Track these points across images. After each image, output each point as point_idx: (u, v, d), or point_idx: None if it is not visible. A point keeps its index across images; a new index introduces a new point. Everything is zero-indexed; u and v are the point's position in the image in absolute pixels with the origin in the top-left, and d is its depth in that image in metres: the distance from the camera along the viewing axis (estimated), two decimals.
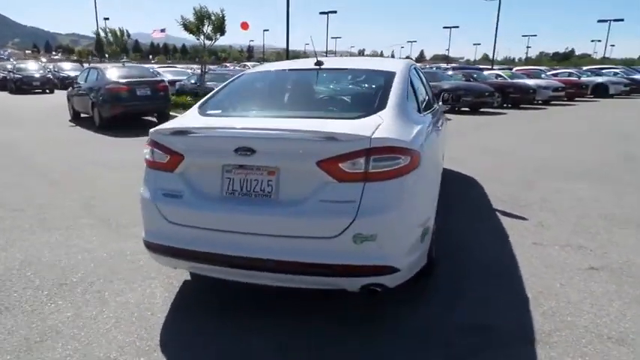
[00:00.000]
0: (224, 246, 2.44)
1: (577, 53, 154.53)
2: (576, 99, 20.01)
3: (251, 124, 2.47)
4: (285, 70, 3.58)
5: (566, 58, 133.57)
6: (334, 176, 2.28)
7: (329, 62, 3.53)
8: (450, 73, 20.19)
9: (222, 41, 13.29)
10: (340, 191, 2.29)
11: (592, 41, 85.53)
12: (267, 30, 71.03)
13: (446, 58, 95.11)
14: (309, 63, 3.61)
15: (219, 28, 11.99)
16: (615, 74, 24.42)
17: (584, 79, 21.73)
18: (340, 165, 2.27)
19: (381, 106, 2.74)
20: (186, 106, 13.84)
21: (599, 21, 46.18)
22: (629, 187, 5.65)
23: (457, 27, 59.51)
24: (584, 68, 28.36)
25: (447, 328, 2.60)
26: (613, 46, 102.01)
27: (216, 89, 3.36)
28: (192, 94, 14.78)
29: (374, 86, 3.12)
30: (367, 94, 3.07)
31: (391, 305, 2.80)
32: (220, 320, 2.72)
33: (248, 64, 42.62)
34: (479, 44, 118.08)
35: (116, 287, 3.14)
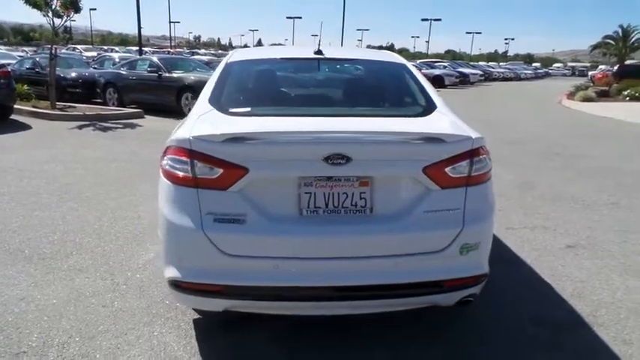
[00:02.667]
0: (305, 276, 2.00)
1: (397, 48, 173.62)
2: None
3: (340, 126, 2.04)
4: (290, 59, 3.08)
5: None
6: (438, 183, 2.03)
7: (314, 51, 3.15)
8: None
9: (31, 19, 10.89)
10: (444, 199, 2.05)
11: (412, 37, 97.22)
12: (95, 9, 62.94)
13: None
14: (303, 51, 3.19)
15: (73, 3, 10.02)
16: (445, 67, 28.16)
17: (424, 71, 24.46)
18: (446, 170, 2.03)
19: (430, 101, 2.54)
20: (24, 97, 11.36)
21: (423, 20, 52.85)
22: (532, 168, 6.49)
23: (300, 17, 61.37)
24: (418, 62, 31.93)
25: (511, 322, 2.61)
26: (428, 42, 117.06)
27: (212, 82, 2.70)
28: (31, 83, 12.20)
29: (399, 79, 2.88)
30: (400, 88, 2.81)
31: (447, 314, 2.66)
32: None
33: (79, 47, 36.92)
34: (316, 35, 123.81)
35: (107, 345, 2.35)
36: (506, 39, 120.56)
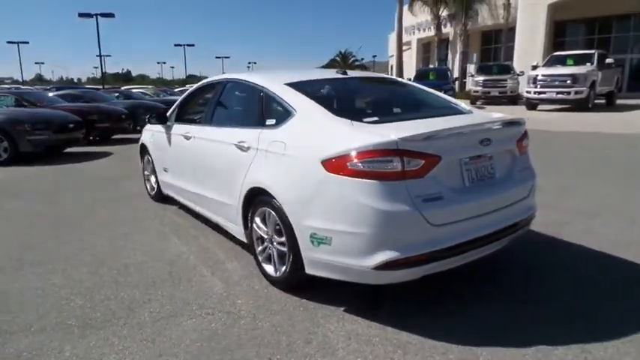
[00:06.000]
0: (478, 229, 2.73)
1: (136, 74, 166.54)
2: None
3: (480, 120, 2.82)
4: (347, 79, 3.65)
5: (128, 79, 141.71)
6: (520, 151, 3.09)
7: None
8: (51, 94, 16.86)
9: None
10: (523, 161, 3.12)
11: (158, 63, 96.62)
12: None
13: None
14: (332, 73, 3.76)
15: None
16: None
17: None
18: (522, 142, 3.10)
19: (456, 103, 3.56)
20: None
21: (176, 45, 52.73)
22: None
23: (27, 42, 52.61)
24: (184, 87, 32.24)
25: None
26: (173, 67, 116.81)
27: (305, 101, 3.05)
28: None
29: (419, 89, 3.81)
30: (430, 95, 3.69)
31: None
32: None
33: None
34: (42, 63, 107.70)
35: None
36: (249, 63, 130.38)
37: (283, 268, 3.06)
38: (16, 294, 3.23)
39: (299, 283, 3.03)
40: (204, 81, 4.63)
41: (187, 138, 4.23)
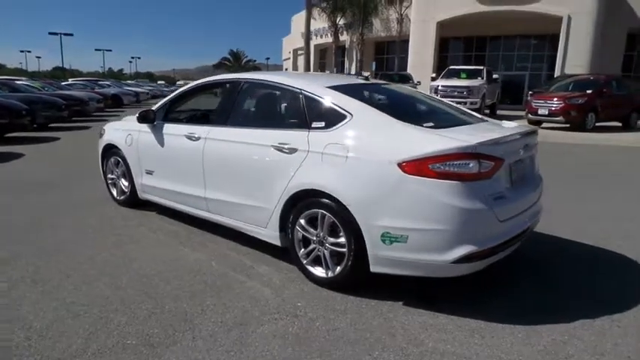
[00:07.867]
0: (521, 223, 3.11)
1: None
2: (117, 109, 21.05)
3: (518, 128, 3.19)
4: (371, 84, 3.73)
5: None
6: (536, 155, 3.55)
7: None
8: None
9: None
10: (537, 164, 3.58)
11: (22, 51, 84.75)
12: None
13: None
14: (354, 78, 3.88)
15: None
16: (109, 86, 27.01)
17: (98, 90, 22.75)
18: (536, 148, 3.56)
19: (472, 112, 3.96)
20: None
21: (50, 33, 46.56)
22: None
23: None
24: (71, 80, 29.09)
25: None
26: (39, 57, 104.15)
27: (359, 106, 3.16)
28: None
29: (434, 97, 4.11)
30: (449, 104, 4.02)
31: None
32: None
33: None
34: None
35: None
36: (132, 57, 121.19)
37: (338, 269, 3.12)
38: (33, 316, 2.81)
39: (356, 282, 3.11)
40: (206, 80, 4.39)
41: (192, 139, 3.99)
